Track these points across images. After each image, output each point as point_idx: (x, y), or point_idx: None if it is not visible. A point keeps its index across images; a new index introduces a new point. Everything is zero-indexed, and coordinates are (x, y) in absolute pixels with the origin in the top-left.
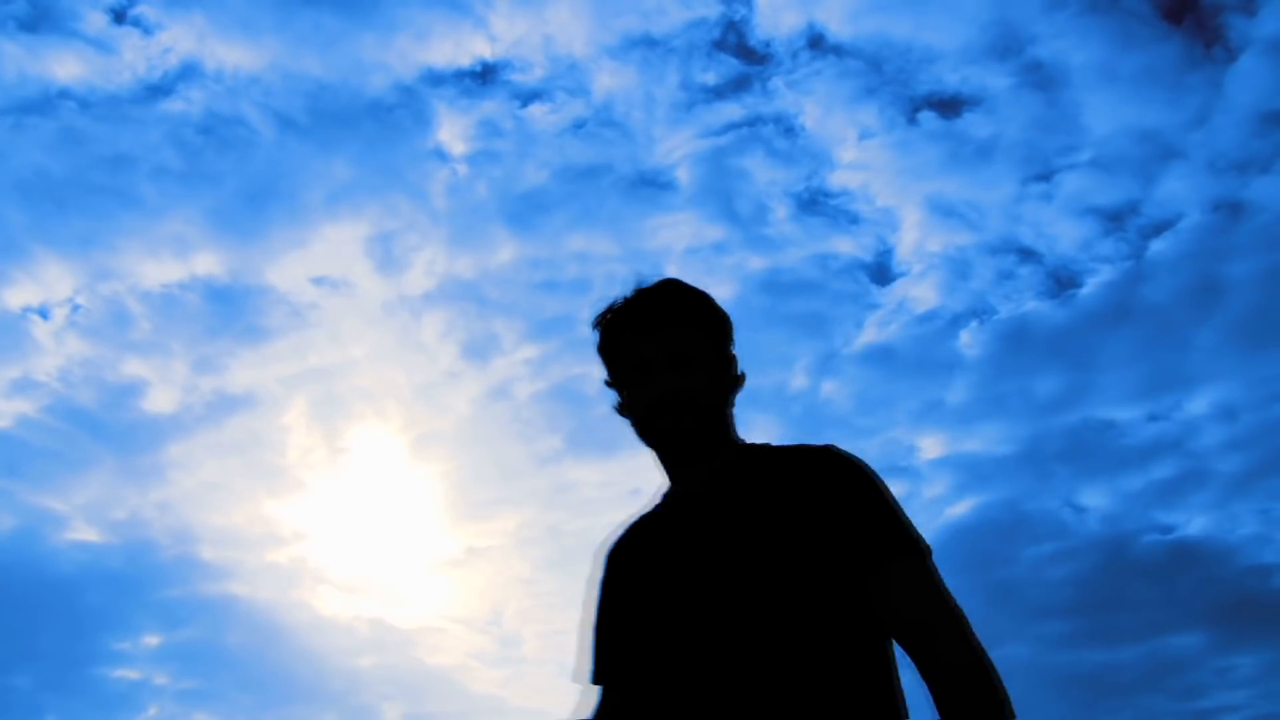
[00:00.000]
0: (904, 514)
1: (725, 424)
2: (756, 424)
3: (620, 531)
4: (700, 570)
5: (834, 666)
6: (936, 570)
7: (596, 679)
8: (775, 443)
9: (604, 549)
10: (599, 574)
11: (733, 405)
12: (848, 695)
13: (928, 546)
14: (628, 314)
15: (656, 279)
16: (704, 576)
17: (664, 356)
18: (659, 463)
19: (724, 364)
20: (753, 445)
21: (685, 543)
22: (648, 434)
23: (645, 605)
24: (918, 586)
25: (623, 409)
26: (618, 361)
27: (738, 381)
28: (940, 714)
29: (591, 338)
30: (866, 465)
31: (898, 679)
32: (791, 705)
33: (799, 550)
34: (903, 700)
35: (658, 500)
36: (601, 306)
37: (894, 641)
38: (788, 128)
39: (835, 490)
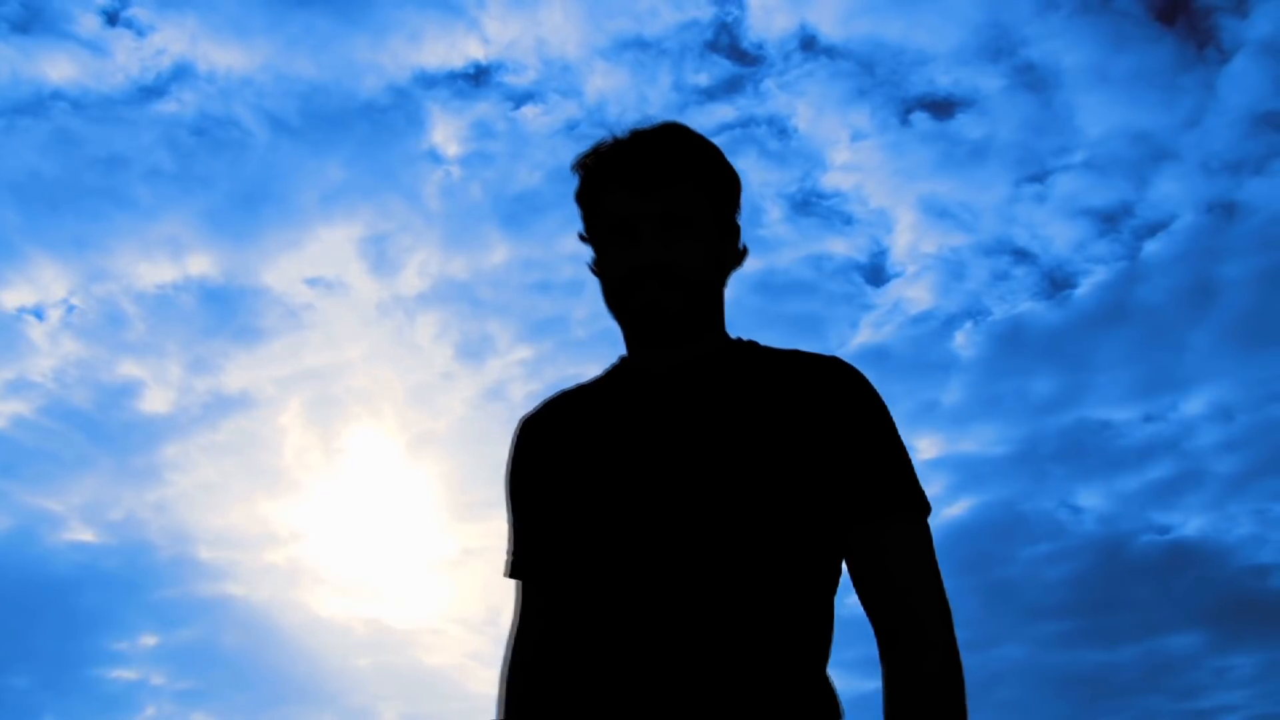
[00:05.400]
0: (910, 460)
1: (715, 305)
2: None
3: (545, 404)
4: (670, 469)
5: (788, 612)
6: (931, 536)
7: (516, 572)
8: (765, 342)
9: (524, 422)
10: (517, 449)
11: (726, 284)
12: (791, 651)
13: (929, 505)
14: (615, 162)
15: (657, 122)
16: (674, 478)
17: (652, 219)
18: (626, 340)
19: (724, 234)
20: (741, 340)
21: (652, 431)
22: (618, 306)
23: (589, 493)
24: (917, 551)
25: (596, 268)
26: (597, 217)
27: (739, 257)
28: (896, 687)
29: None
30: (877, 391)
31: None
32: (734, 645)
33: (787, 472)
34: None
35: (604, 376)
36: (586, 153)
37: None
38: (780, 129)
39: (844, 413)
